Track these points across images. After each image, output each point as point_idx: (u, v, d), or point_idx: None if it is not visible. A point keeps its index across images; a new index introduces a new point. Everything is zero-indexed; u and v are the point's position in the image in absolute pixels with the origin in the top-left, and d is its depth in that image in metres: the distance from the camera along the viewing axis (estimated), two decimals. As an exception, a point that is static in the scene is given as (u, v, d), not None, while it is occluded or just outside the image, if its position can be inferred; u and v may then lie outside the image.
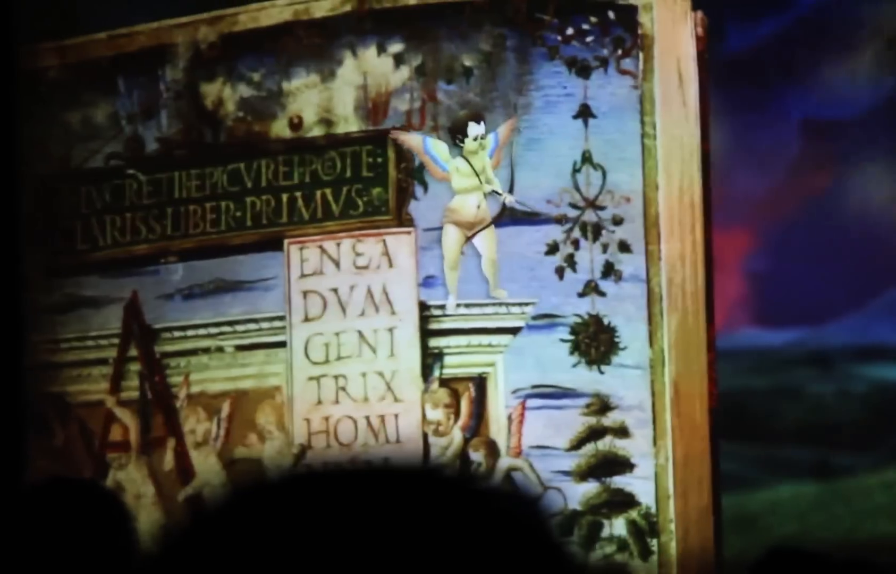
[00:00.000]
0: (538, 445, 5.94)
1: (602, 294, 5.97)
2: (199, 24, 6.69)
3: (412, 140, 7.68)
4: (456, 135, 7.55)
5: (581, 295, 5.99)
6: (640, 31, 6.03)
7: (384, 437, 6.15)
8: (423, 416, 6.14)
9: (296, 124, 6.40)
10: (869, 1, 12.16)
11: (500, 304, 6.13)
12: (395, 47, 6.30)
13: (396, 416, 6.16)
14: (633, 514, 5.77)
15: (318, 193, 6.36)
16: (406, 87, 6.29)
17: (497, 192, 7.17)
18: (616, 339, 5.90)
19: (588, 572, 5.66)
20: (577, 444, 5.85)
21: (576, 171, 6.00)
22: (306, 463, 6.20)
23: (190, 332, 6.42)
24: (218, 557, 1.31)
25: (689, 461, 5.81)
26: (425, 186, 6.32)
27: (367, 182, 6.34)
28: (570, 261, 5.99)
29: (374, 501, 1.32)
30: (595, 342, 5.93)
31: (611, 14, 6.13)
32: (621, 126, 6.01)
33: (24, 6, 7.27)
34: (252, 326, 6.35)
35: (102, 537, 3.16)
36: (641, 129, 6.02)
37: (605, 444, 5.83)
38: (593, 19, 6.16)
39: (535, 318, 6.05)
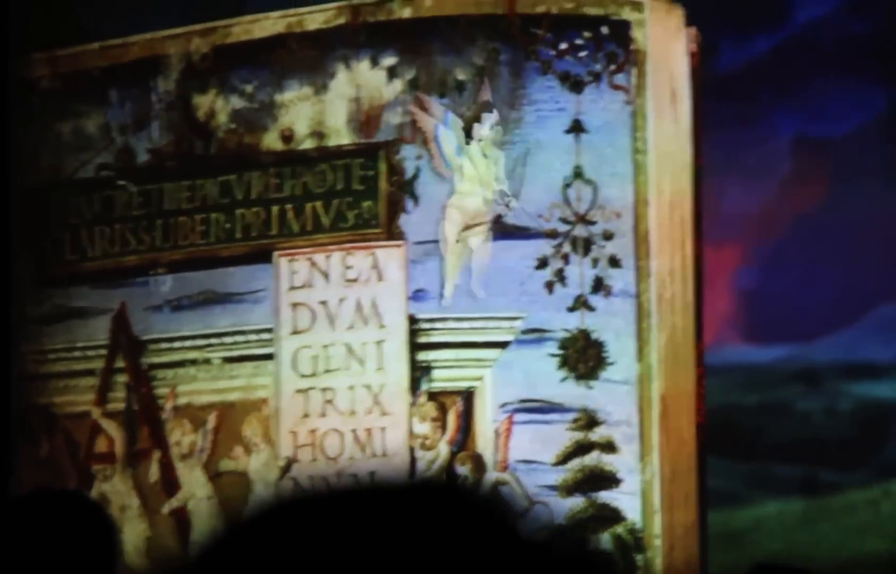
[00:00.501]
0: (525, 460, 5.93)
1: (591, 309, 5.97)
2: (191, 35, 6.69)
3: (426, 122, 7.17)
4: (471, 125, 6.87)
5: (570, 309, 5.99)
6: (632, 47, 6.03)
7: (371, 450, 6.15)
8: (410, 429, 6.13)
9: (287, 137, 6.40)
10: (862, 19, 12.20)
11: (489, 318, 6.12)
12: (389, 60, 6.30)
13: (383, 429, 6.16)
14: (619, 529, 5.78)
15: (309, 206, 6.36)
16: (399, 100, 6.30)
17: (505, 194, 6.65)
18: (604, 355, 5.90)
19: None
20: (564, 459, 5.85)
21: (567, 185, 6.00)
22: (293, 477, 6.20)
23: (177, 344, 6.42)
24: None
25: (675, 477, 5.81)
26: (416, 200, 6.31)
27: (358, 195, 6.34)
28: (560, 275, 5.99)
29: (378, 526, 1.34)
30: (583, 357, 5.93)
31: (604, 29, 6.12)
32: (613, 141, 6.02)
33: (19, 17, 7.27)
34: (240, 338, 6.35)
35: (86, 548, 3.16)
36: (633, 144, 6.03)
37: (591, 459, 5.83)
38: (587, 34, 6.15)
39: (523, 332, 6.05)
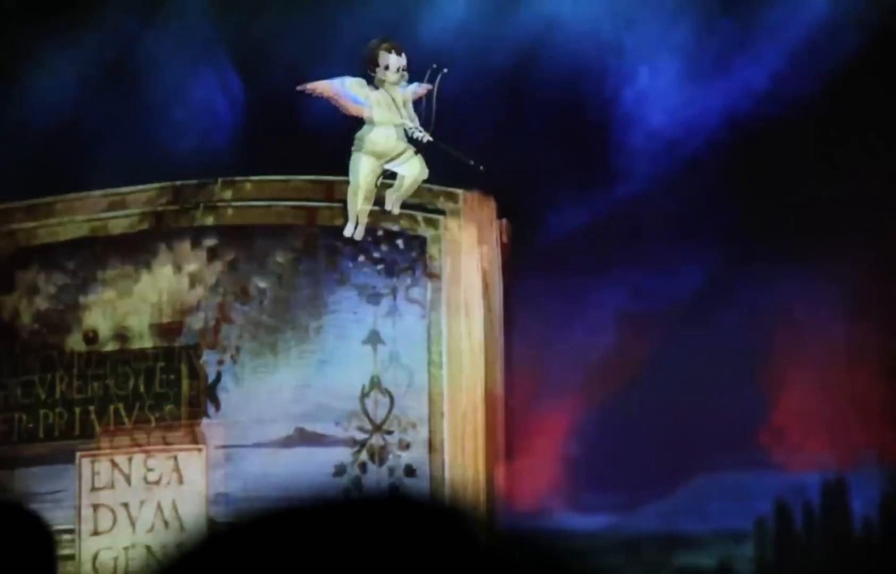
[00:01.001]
0: None
1: (385, 520, 6.07)
2: (-4, 236, 6.72)
3: (324, 86, 7.67)
4: (368, 67, 7.60)
5: (365, 520, 6.08)
6: (428, 262, 6.23)
7: None
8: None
9: (91, 338, 6.46)
10: (676, 197, 12.54)
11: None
12: (192, 266, 6.41)
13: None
14: None
15: (112, 407, 6.41)
16: (201, 306, 6.39)
17: (417, 129, 7.24)
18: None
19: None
20: None
21: (364, 395, 6.14)
22: None
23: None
24: None
25: None
26: (217, 405, 6.39)
27: (160, 398, 6.40)
28: (357, 483, 6.10)
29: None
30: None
31: (401, 243, 6.32)
32: (409, 353, 6.17)
33: None
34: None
35: (26, 558, 3.17)
36: (428, 357, 6.19)
37: None
38: (385, 248, 6.35)
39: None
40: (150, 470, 6.16)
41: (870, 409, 10.73)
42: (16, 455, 6.33)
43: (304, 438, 6.14)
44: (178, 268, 6.47)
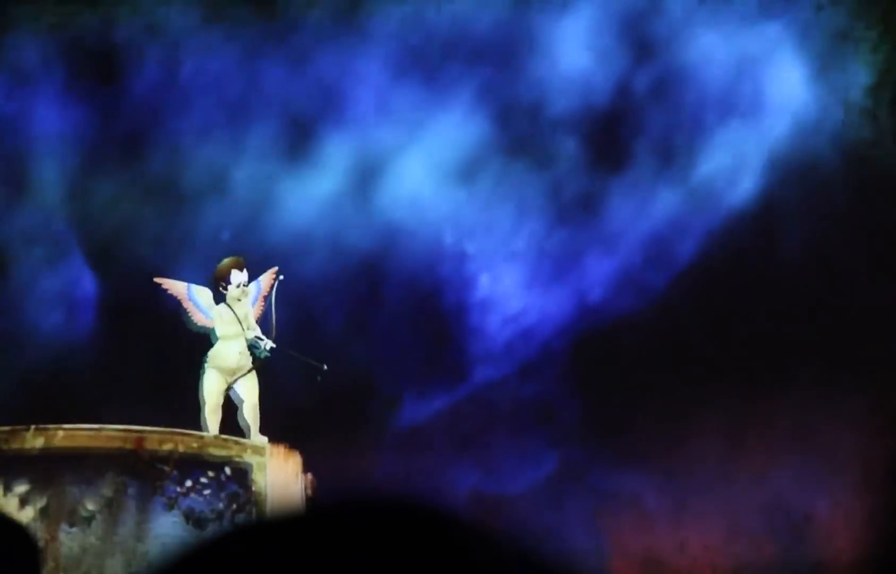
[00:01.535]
0: None
1: None
2: None
3: (176, 287, 8.08)
4: (219, 282, 8.02)
5: None
6: (253, 489, 6.34)
7: None
8: None
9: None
10: (531, 382, 12.77)
11: None
12: (21, 488, 6.44)
13: None
14: None
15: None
16: (30, 527, 6.43)
17: (259, 338, 7.70)
18: None
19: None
20: None
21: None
22: None
23: None
24: None
25: None
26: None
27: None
28: None
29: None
30: None
31: (227, 470, 6.42)
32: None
33: None
34: None
35: (10, 567, 3.17)
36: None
37: None
38: (211, 474, 6.44)
39: None
40: None
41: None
42: None
43: None
44: (8, 488, 6.51)
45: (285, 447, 6.51)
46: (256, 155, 11.31)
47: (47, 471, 6.36)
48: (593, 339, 11.57)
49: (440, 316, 11.83)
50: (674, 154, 11.63)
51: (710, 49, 11.60)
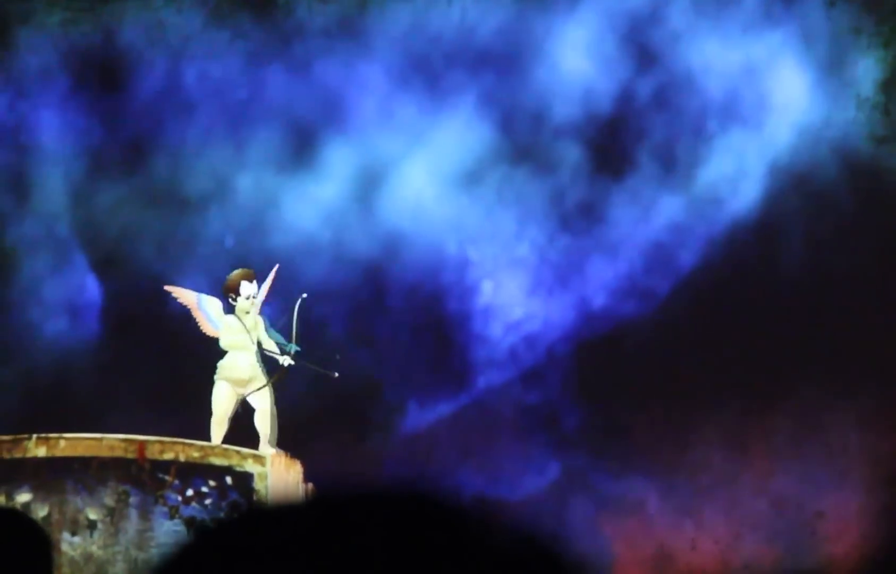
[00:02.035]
0: None
1: None
2: None
3: (187, 296, 8.08)
4: (229, 293, 8.03)
5: None
6: (255, 498, 6.36)
7: None
8: None
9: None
10: (534, 388, 12.78)
11: None
12: (23, 497, 6.45)
13: None
14: None
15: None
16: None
17: (273, 354, 7.75)
18: None
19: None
20: None
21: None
22: None
23: None
24: None
25: None
26: None
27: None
28: None
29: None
30: None
31: (228, 479, 6.44)
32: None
33: None
34: None
35: (23, 563, 3.20)
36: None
37: None
38: (212, 483, 6.46)
39: None
40: None
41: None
42: None
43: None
44: (10, 497, 6.53)
45: (286, 456, 6.54)
46: (259, 161, 11.34)
47: (49, 479, 6.38)
48: (596, 345, 11.58)
49: (443, 322, 11.84)
50: (676, 161, 11.65)
51: (713, 56, 11.62)
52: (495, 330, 11.73)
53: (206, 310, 7.65)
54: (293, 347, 7.74)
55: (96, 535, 6.30)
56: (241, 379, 7.57)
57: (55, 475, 6.33)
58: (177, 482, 6.22)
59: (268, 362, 7.70)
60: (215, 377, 7.45)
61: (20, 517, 3.64)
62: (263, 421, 7.33)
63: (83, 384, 10.76)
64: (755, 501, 11.16)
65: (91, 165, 11.26)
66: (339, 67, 11.38)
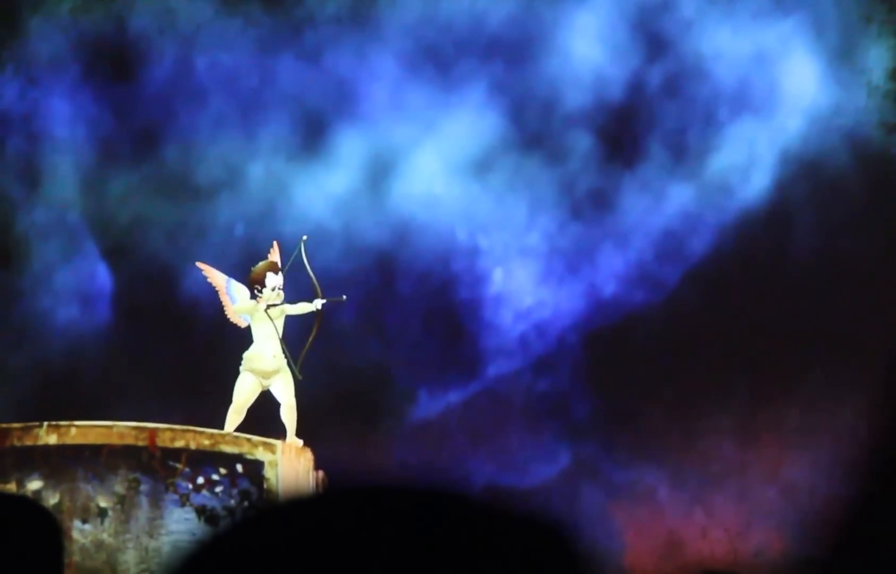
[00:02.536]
0: None
1: None
2: None
3: (216, 277, 8.12)
4: (254, 285, 8.05)
5: None
6: (265, 486, 6.37)
7: None
8: None
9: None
10: (545, 377, 12.79)
11: None
12: (34, 484, 6.47)
13: None
14: None
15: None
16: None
17: (304, 313, 7.83)
18: None
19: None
20: None
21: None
22: None
23: None
24: None
25: None
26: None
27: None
28: None
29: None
30: None
31: (239, 467, 6.45)
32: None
33: None
34: None
35: (34, 551, 3.21)
36: (264, 582, 6.29)
37: None
38: (223, 471, 6.46)
39: None
40: None
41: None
42: None
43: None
44: (21, 485, 6.55)
45: (297, 445, 6.56)
46: (270, 150, 11.35)
47: (60, 467, 6.40)
48: (606, 333, 11.58)
49: (454, 311, 11.84)
50: (687, 149, 11.65)
51: (724, 44, 11.61)
52: (506, 318, 11.74)
53: (232, 294, 7.69)
54: (319, 301, 7.88)
55: (107, 522, 6.32)
56: (266, 370, 7.58)
57: (66, 463, 6.35)
58: (187, 470, 6.24)
59: (291, 354, 7.75)
60: (241, 367, 7.47)
61: (31, 504, 3.66)
62: (290, 414, 7.34)
63: (94, 372, 10.78)
64: (765, 489, 11.16)
65: (102, 153, 11.29)
66: (349, 56, 11.39)
